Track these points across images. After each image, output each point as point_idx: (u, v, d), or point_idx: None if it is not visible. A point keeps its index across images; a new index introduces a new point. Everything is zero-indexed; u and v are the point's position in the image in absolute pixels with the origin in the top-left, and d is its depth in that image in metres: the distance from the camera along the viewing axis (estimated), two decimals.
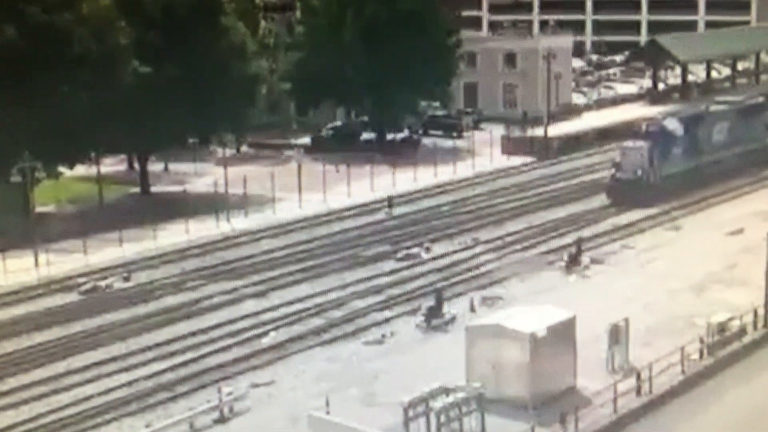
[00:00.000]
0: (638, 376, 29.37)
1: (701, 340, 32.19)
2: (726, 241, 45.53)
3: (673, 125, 55.73)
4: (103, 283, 41.64)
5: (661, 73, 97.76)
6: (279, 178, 55.96)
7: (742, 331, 33.46)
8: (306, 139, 73.38)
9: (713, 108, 61.43)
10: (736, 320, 33.64)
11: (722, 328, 33.13)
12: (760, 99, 65.71)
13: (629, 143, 54.84)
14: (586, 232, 47.78)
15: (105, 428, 29.12)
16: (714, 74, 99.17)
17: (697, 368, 31.20)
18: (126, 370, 33.02)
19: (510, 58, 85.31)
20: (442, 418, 26.55)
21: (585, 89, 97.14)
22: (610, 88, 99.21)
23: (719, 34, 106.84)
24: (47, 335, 36.56)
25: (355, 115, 76.38)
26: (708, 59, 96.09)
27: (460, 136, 74.94)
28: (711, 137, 57.89)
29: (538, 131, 70.58)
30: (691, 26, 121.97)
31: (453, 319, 36.22)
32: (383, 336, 35.43)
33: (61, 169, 52.84)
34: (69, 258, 44.74)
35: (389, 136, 71.94)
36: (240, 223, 50.93)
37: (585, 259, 43.39)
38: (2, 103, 45.79)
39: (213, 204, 52.62)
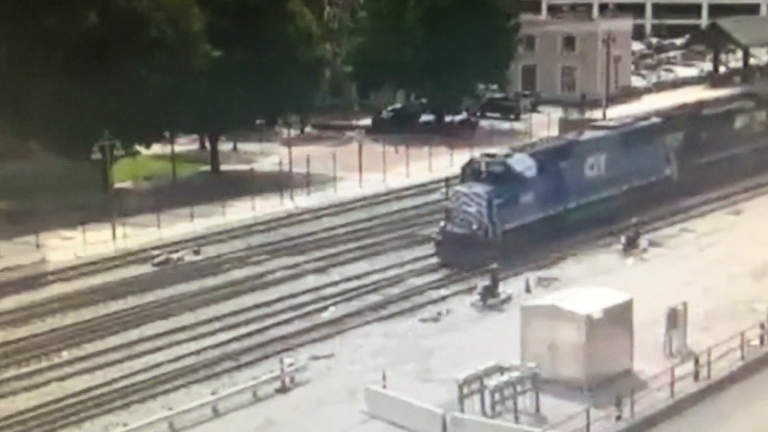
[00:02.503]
0: (696, 361, 28.92)
1: (762, 326, 31.45)
2: None
3: (523, 164, 43.07)
4: (174, 256, 43.26)
5: (722, 56, 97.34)
6: (341, 158, 57.28)
7: None
8: (367, 121, 74.87)
9: (585, 136, 48.24)
10: None
11: None
12: (656, 120, 52.36)
13: (463, 188, 42.64)
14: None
15: (174, 394, 30.18)
16: None
17: (757, 354, 30.55)
18: (194, 339, 34.34)
19: (569, 41, 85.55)
20: (497, 396, 26.89)
21: (644, 72, 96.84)
22: (670, 71, 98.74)
23: None
24: (122, 304, 37.97)
25: (414, 97, 77.65)
26: None
27: (517, 119, 75.64)
28: (581, 174, 45.31)
29: (597, 114, 71.22)
30: (753, 10, 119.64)
31: (508, 298, 36.51)
32: (439, 314, 35.99)
33: (138, 147, 54.99)
34: (144, 231, 46.53)
35: (447, 118, 73.27)
36: (303, 201, 52.46)
37: (643, 241, 42.88)
38: (85, 86, 47.77)
39: (278, 182, 54.28)
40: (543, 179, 43.35)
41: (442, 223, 42.43)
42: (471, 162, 43.93)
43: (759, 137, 56.44)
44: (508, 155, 43.88)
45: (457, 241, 41.22)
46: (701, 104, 58.73)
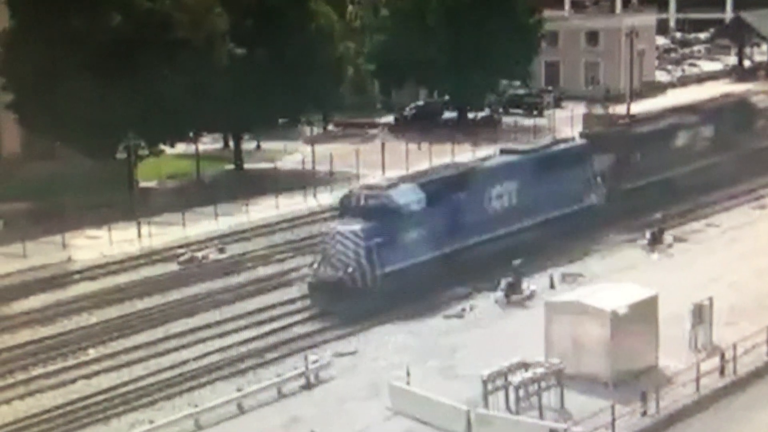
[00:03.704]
0: (722, 356, 28.80)
1: None
2: None
3: (408, 197, 37.44)
4: (199, 254, 43.42)
5: (747, 50, 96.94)
6: (363, 155, 57.47)
7: None
8: (389, 119, 75.25)
9: (489, 163, 42.95)
10: None
11: None
12: (580, 141, 47.14)
13: (338, 225, 37.33)
14: None
15: (200, 391, 30.33)
16: None
17: None
18: (219, 336, 34.47)
19: (592, 37, 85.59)
20: (521, 393, 26.91)
21: (669, 67, 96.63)
22: (694, 65, 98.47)
23: None
24: (148, 302, 38.11)
25: (437, 94, 77.70)
26: None
27: (540, 115, 75.42)
28: (484, 206, 40.15)
29: (621, 109, 71.07)
30: None
31: (532, 294, 36.38)
32: (463, 310, 35.95)
33: (163, 146, 55.18)
34: (169, 230, 46.78)
35: (470, 115, 73.36)
36: (326, 198, 52.34)
37: (668, 236, 42.79)
38: (110, 86, 48.02)
39: (301, 180, 54.46)
40: (433, 213, 37.86)
41: (315, 265, 37.37)
42: (349, 195, 38.96)
43: (703, 156, 50.79)
44: (391, 186, 38.33)
45: (331, 285, 36.23)
46: (634, 121, 52.51)
